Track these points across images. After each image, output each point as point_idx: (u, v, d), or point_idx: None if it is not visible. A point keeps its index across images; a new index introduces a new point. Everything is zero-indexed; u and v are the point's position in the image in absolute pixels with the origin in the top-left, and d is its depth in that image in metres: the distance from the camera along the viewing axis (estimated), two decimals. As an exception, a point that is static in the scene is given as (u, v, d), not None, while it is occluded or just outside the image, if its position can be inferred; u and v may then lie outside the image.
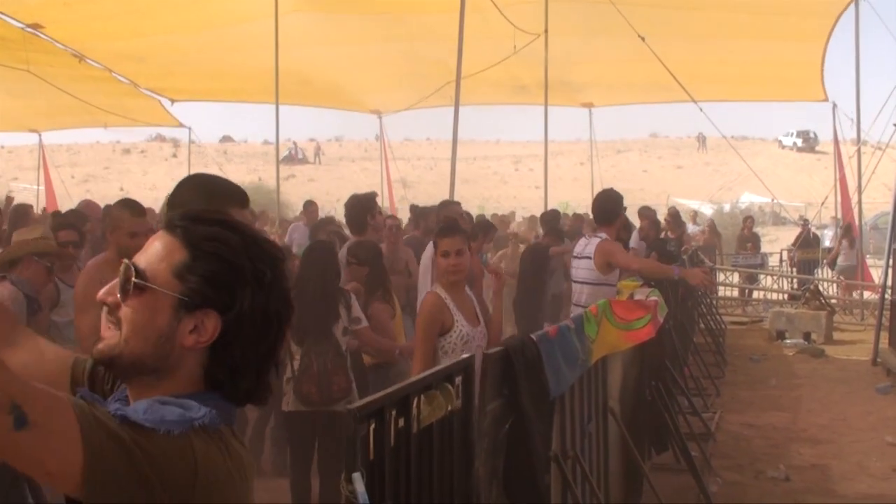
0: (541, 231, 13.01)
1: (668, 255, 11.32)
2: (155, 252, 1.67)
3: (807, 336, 14.29)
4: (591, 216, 8.81)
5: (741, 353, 13.48)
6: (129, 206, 4.99)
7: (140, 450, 1.47)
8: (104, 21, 14.75)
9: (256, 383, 1.69)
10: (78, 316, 4.71)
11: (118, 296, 1.66)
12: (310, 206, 14.33)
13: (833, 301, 17.13)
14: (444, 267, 4.97)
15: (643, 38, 14.54)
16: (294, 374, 5.60)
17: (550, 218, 12.49)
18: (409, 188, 36.42)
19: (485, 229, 10.48)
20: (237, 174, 47.24)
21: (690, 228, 21.20)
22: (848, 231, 18.46)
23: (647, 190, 53.01)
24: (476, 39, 12.48)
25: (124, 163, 72.46)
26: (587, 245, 7.39)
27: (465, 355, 4.70)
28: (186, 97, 21.40)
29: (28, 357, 1.91)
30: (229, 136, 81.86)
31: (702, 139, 72.69)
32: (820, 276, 19.64)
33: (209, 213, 1.73)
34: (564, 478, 4.26)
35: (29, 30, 14.48)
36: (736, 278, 20.36)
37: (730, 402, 10.18)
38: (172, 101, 21.26)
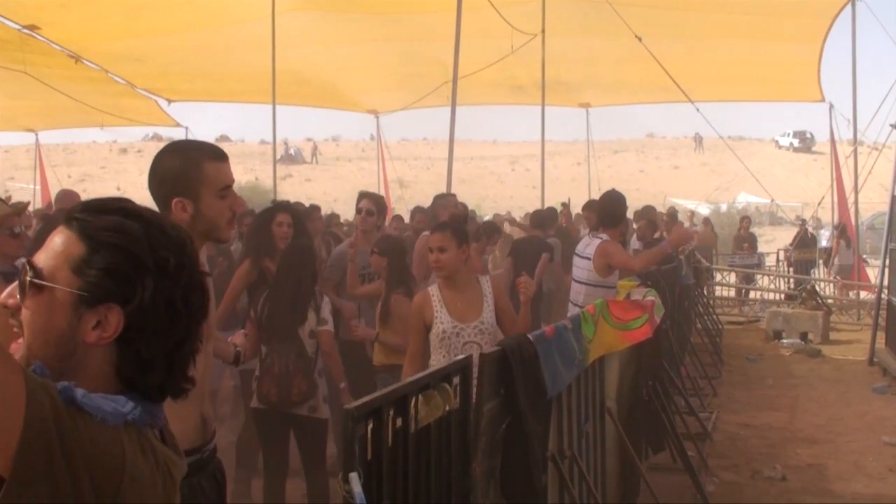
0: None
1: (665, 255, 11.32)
2: (53, 248, 1.60)
3: (803, 336, 14.30)
4: (583, 215, 8.78)
5: (738, 353, 13.49)
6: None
7: (77, 434, 1.43)
8: (100, 22, 14.75)
9: (169, 377, 1.62)
10: None
11: (18, 297, 1.59)
12: (314, 212, 14.30)
13: (830, 301, 17.16)
14: (430, 262, 5.12)
15: (640, 39, 14.57)
16: (259, 372, 5.60)
17: (545, 214, 12.45)
18: (406, 188, 36.42)
19: (489, 231, 10.47)
20: (234, 174, 47.13)
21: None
22: (844, 231, 18.49)
23: (643, 190, 53.01)
24: (473, 39, 12.50)
25: (121, 162, 72.38)
26: (588, 245, 7.38)
27: (461, 355, 4.76)
28: (183, 97, 21.39)
29: None
30: (226, 136, 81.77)
31: (698, 139, 72.77)
32: (816, 276, 19.67)
33: (110, 202, 1.65)
34: (561, 477, 4.27)
35: (25, 31, 14.47)
36: (733, 278, 20.38)
37: (726, 402, 10.19)
38: (169, 101, 21.26)
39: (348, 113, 25.72)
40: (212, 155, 3.02)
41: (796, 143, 72.01)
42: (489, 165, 72.00)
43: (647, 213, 13.54)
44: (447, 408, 3.21)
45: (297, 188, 52.30)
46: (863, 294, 17.96)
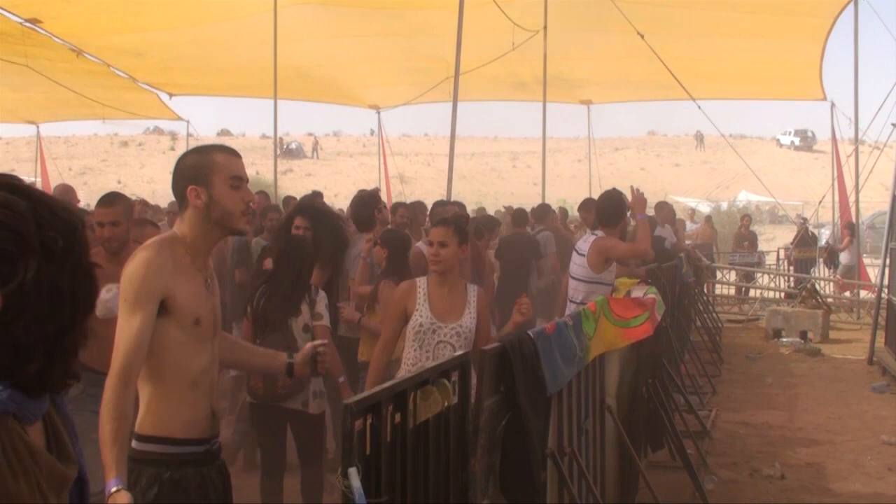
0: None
1: (664, 253, 11.34)
2: None
3: (803, 335, 14.30)
4: (580, 215, 8.76)
5: (738, 352, 13.49)
6: (100, 197, 4.98)
7: None
8: (102, 16, 14.76)
9: (49, 367, 1.51)
10: None
11: None
12: (290, 201, 14.29)
13: (830, 300, 17.15)
14: (427, 256, 5.06)
15: (642, 36, 14.55)
16: None
17: (541, 211, 12.44)
18: (407, 184, 36.42)
19: (489, 225, 10.45)
20: (235, 168, 47.14)
21: (688, 226, 21.25)
22: (852, 229, 18.48)
23: (644, 187, 52.73)
24: (475, 35, 12.49)
25: (122, 155, 72.40)
26: (585, 242, 7.39)
27: (431, 353, 4.76)
28: (184, 91, 21.40)
29: None
30: (227, 130, 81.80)
31: (700, 137, 72.74)
32: (817, 274, 19.66)
33: None
34: (561, 475, 4.26)
35: (27, 24, 14.48)
36: (733, 276, 20.38)
37: (726, 401, 10.19)
38: (170, 94, 21.27)
39: (350, 108, 25.73)
40: (224, 149, 3.29)
41: (797, 141, 72.03)
42: (490, 161, 72.00)
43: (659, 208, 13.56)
44: (446, 404, 3.21)
45: (297, 183, 52.30)
46: (863, 293, 17.96)
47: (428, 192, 44.59)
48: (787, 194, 42.28)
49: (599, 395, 5.34)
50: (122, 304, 3.06)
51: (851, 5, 15.68)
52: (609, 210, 7.39)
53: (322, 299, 5.72)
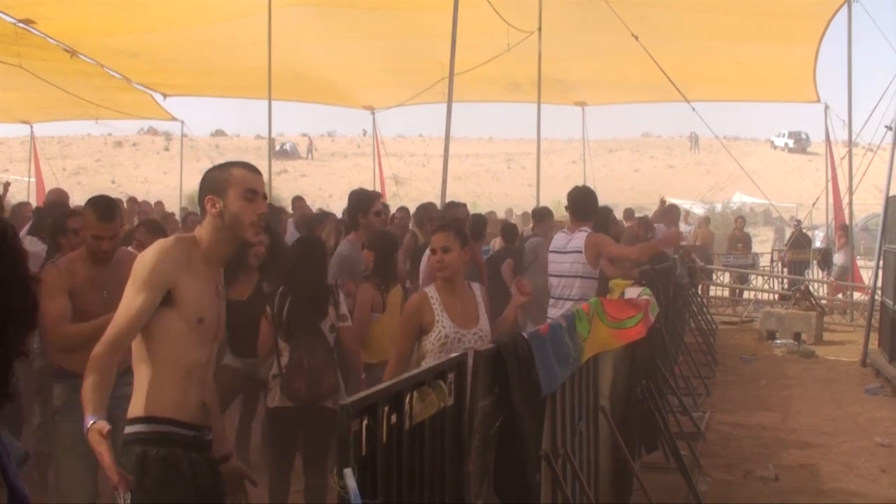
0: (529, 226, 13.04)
1: (658, 254, 11.34)
2: None
3: (797, 336, 14.34)
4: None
5: (731, 353, 13.51)
6: (97, 209, 4.88)
7: None
8: (96, 17, 14.73)
9: None
10: (44, 303, 4.73)
11: None
12: (297, 201, 14.36)
13: (823, 302, 17.19)
14: (431, 264, 5.04)
15: (637, 38, 14.57)
16: (281, 370, 5.56)
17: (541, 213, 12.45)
18: (402, 185, 36.44)
19: (478, 227, 10.44)
20: (229, 169, 47.05)
21: (683, 228, 21.27)
22: (846, 231, 18.53)
23: (638, 189, 53.11)
24: (469, 36, 12.49)
25: (116, 155, 72.28)
26: (571, 240, 7.42)
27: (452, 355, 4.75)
28: (179, 92, 21.36)
29: None
30: (222, 131, 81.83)
31: (694, 139, 72.83)
32: (810, 276, 19.70)
33: None
34: (555, 476, 4.27)
35: (21, 25, 14.44)
36: (727, 278, 20.41)
37: (720, 402, 10.21)
38: (165, 95, 21.23)
39: (344, 109, 25.69)
40: (244, 165, 3.52)
41: (791, 143, 72.17)
42: (485, 163, 72.02)
43: (629, 214, 13.63)
44: (442, 405, 3.21)
45: (291, 184, 52.26)
46: (856, 295, 18.00)
47: (423, 193, 44.59)
48: (781, 196, 42.36)
49: (593, 396, 5.34)
50: (131, 283, 3.26)
51: (845, 8, 15.72)
52: (584, 204, 7.56)
53: (343, 299, 5.84)
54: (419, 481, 3.10)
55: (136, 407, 3.29)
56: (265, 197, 3.52)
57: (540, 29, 14.88)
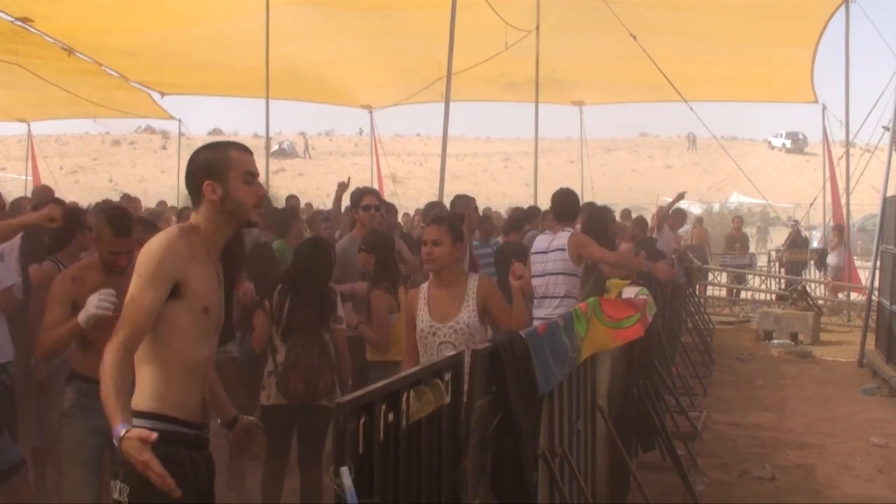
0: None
1: (656, 254, 11.34)
2: None
3: (794, 337, 14.35)
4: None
5: (728, 353, 13.53)
6: (114, 225, 4.81)
7: None
8: (94, 16, 14.72)
9: None
10: (45, 312, 4.74)
11: None
12: (291, 200, 14.33)
13: (820, 302, 17.21)
14: (422, 256, 5.06)
15: (635, 37, 14.57)
16: (277, 368, 5.56)
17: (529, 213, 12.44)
18: (399, 184, 36.42)
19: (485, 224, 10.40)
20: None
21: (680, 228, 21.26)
22: (841, 232, 18.56)
23: (636, 189, 53.07)
24: (467, 35, 12.47)
25: (113, 154, 72.14)
26: (554, 239, 7.45)
27: (434, 355, 4.77)
28: (176, 90, 21.34)
29: None
30: (219, 129, 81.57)
31: (692, 139, 72.79)
32: (808, 276, 19.72)
33: None
34: (552, 475, 4.26)
35: (19, 23, 14.42)
36: (724, 278, 20.42)
37: (716, 402, 10.21)
38: (162, 94, 21.21)
39: (342, 108, 25.68)
40: (238, 146, 3.43)
41: (789, 143, 72.16)
42: (482, 162, 71.97)
43: (626, 214, 13.62)
44: (439, 404, 3.21)
45: (289, 182, 52.20)
46: (853, 295, 18.02)
47: (420, 192, 44.62)
48: (778, 196, 42.37)
49: (591, 395, 5.34)
50: (137, 278, 3.17)
51: (842, 8, 15.73)
52: (566, 206, 7.64)
53: (339, 301, 5.83)
54: (416, 480, 3.10)
55: (140, 401, 3.20)
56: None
57: (538, 28, 14.89)
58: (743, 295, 20.29)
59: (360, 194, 7.57)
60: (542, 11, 14.74)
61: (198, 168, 3.34)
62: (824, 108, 19.71)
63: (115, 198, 15.19)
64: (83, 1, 14.09)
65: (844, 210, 18.33)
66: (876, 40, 15.81)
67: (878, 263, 12.85)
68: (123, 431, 2.88)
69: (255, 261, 7.24)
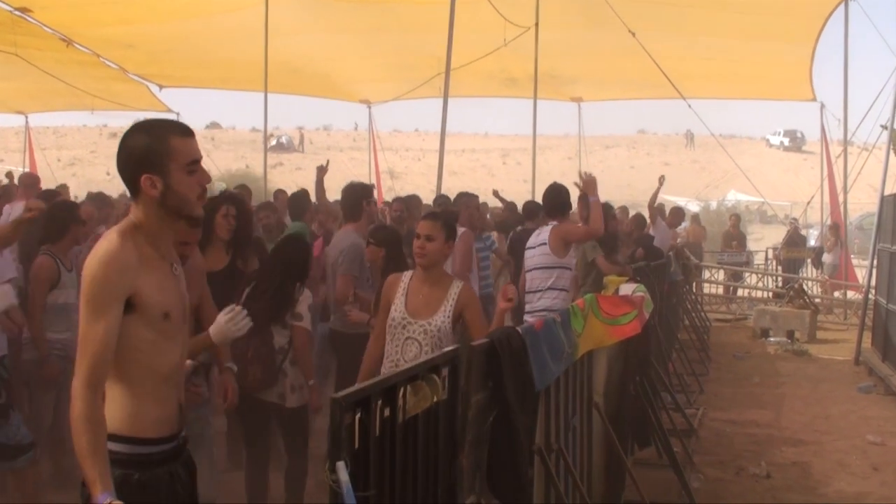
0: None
1: (653, 251, 11.35)
2: None
3: (790, 334, 14.37)
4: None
5: (725, 351, 13.54)
6: (189, 219, 4.65)
7: None
8: (93, 6, 14.68)
9: None
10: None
11: None
12: (280, 194, 14.24)
13: (817, 300, 17.23)
14: (413, 248, 5.01)
15: (634, 34, 14.56)
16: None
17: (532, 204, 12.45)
18: (397, 179, 36.39)
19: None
20: (225, 161, 47.03)
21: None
22: (836, 230, 18.58)
23: (634, 186, 53.03)
24: (466, 31, 12.47)
25: (111, 147, 71.10)
26: (540, 234, 7.49)
27: (399, 348, 4.77)
28: (175, 83, 21.33)
29: None
30: (217, 123, 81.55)
31: (690, 136, 72.85)
32: (805, 275, 19.74)
33: None
34: (548, 471, 4.26)
35: (17, 13, 14.38)
36: (721, 276, 20.43)
37: (713, 399, 10.22)
38: (161, 86, 21.20)
39: (340, 102, 25.67)
40: (178, 130, 3.00)
41: (787, 141, 72.23)
42: (480, 158, 71.96)
43: (623, 212, 13.61)
44: (435, 399, 3.20)
45: (287, 177, 52.11)
46: (850, 294, 18.03)
47: (418, 187, 44.50)
48: (776, 194, 42.39)
49: (587, 392, 5.34)
50: (84, 306, 2.83)
51: (842, 7, 15.74)
52: (555, 201, 7.67)
53: (306, 299, 5.65)
54: (412, 475, 3.09)
55: (113, 424, 2.88)
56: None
57: (537, 24, 14.88)
58: (740, 292, 20.31)
59: (369, 189, 7.62)
60: (540, 8, 14.72)
61: (134, 158, 2.93)
62: (822, 106, 19.75)
63: (114, 192, 15.12)
64: (82, -8, 14.08)
65: (842, 208, 18.35)
66: (875, 39, 15.83)
67: (875, 262, 12.86)
68: (106, 502, 2.66)
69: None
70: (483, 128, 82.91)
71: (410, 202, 9.80)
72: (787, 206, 40.13)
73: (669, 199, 40.66)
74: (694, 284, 16.57)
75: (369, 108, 24.25)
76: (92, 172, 57.35)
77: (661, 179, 13.46)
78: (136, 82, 20.26)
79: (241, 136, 72.82)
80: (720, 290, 20.34)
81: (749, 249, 22.18)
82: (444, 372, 3.32)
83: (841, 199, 18.17)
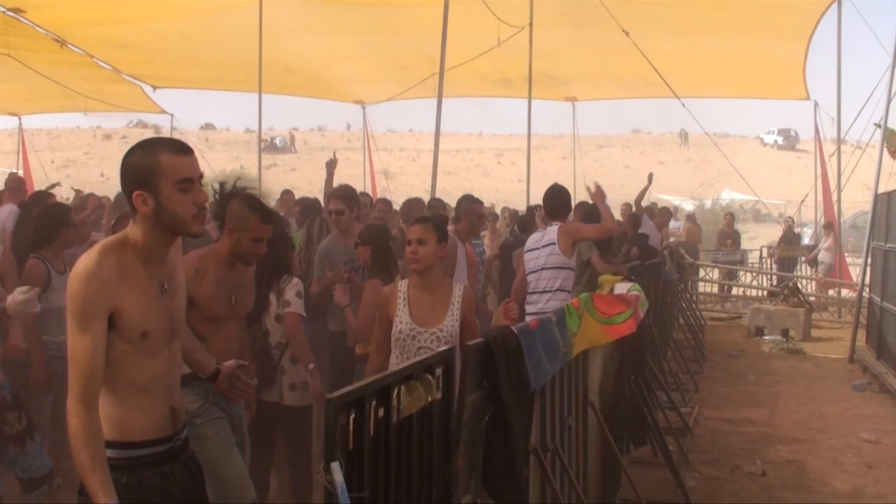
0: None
1: (648, 250, 11.37)
2: None
3: (785, 333, 14.39)
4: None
5: (720, 349, 13.56)
6: (260, 211, 4.56)
7: None
8: (86, 6, 14.64)
9: None
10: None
11: None
12: (286, 195, 14.25)
13: (811, 298, 17.26)
14: (406, 255, 4.97)
15: (627, 33, 14.57)
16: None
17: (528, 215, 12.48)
18: (392, 179, 36.35)
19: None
20: (219, 161, 46.99)
21: (672, 224, 21.30)
22: (830, 228, 18.61)
23: (628, 185, 52.93)
24: (460, 31, 12.48)
25: (105, 148, 71.82)
26: (545, 235, 7.46)
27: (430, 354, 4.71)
28: (168, 84, 21.29)
29: None
30: (211, 124, 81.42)
31: (684, 135, 72.93)
32: (799, 273, 19.77)
33: None
34: (543, 470, 4.26)
35: (10, 13, 14.34)
36: (716, 274, 20.46)
37: (708, 398, 10.24)
38: (154, 87, 21.15)
39: (335, 103, 25.62)
40: (172, 148, 3.01)
41: (780, 140, 72.38)
42: (475, 158, 71.99)
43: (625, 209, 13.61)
44: (430, 399, 3.20)
45: (281, 177, 52.12)
46: (844, 292, 18.07)
47: (413, 187, 44.53)
48: (770, 193, 42.44)
49: (582, 391, 5.34)
50: (70, 323, 2.88)
51: (835, 5, 15.78)
52: (557, 202, 7.64)
53: (294, 286, 5.56)
54: (406, 475, 3.09)
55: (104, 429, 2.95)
56: (202, 178, 3.08)
57: (531, 24, 14.87)
58: (734, 291, 20.34)
59: (328, 198, 7.59)
60: (534, 7, 14.72)
61: (128, 175, 2.99)
62: (816, 105, 19.76)
63: (110, 193, 15.07)
64: (75, -8, 14.04)
65: (836, 207, 18.38)
66: (868, 37, 15.85)
67: (869, 260, 12.89)
68: None
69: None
70: (478, 128, 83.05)
71: (412, 205, 9.74)
72: (781, 204, 40.21)
73: (664, 198, 40.74)
74: (689, 283, 16.59)
75: (364, 108, 24.23)
76: (86, 174, 57.24)
77: (650, 178, 13.46)
78: (130, 83, 20.21)
79: (235, 136, 72.75)
80: (715, 289, 20.37)
81: (743, 248, 22.22)
82: (439, 372, 3.32)
83: (835, 197, 18.20)
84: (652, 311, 8.41)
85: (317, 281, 6.95)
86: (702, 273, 19.93)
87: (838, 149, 17.70)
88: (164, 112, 23.60)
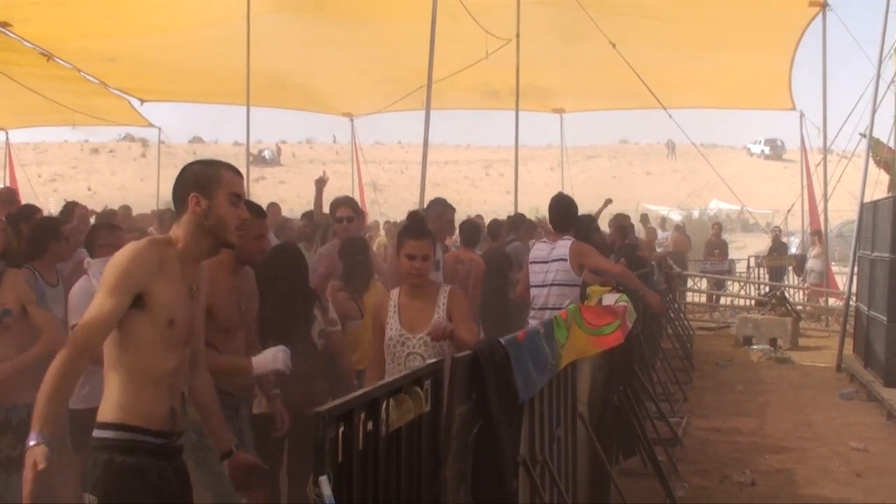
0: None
1: (637, 260, 11.38)
2: None
3: (773, 342, 14.43)
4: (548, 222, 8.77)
5: (708, 359, 13.59)
6: (252, 209, 4.52)
7: None
8: (74, 20, 14.60)
9: None
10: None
11: None
12: (272, 207, 14.23)
13: (799, 308, 17.32)
14: (408, 270, 4.95)
15: (614, 45, 14.64)
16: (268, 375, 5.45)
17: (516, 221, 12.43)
18: (380, 191, 36.36)
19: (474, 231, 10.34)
20: (207, 175, 46.83)
21: (660, 235, 21.38)
22: (819, 236, 18.70)
23: (616, 196, 53.07)
24: (448, 44, 12.49)
25: (93, 162, 71.73)
26: (554, 248, 7.42)
27: (403, 366, 4.74)
28: (156, 97, 21.24)
29: None
30: (199, 137, 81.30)
31: (671, 146, 73.23)
32: (787, 283, 19.84)
33: None
34: (532, 482, 4.27)
35: (-4, 28, 14.31)
36: (704, 284, 20.52)
37: (696, 408, 10.25)
38: (142, 101, 21.11)
39: (323, 115, 25.65)
40: (231, 168, 3.50)
41: (767, 150, 72.77)
42: (463, 170, 72.10)
43: (619, 219, 13.60)
44: (418, 412, 3.21)
45: (269, 190, 52.10)
46: (831, 301, 18.14)
47: (402, 200, 44.58)
48: (757, 203, 42.62)
49: (571, 402, 5.35)
50: (102, 285, 3.16)
51: (820, 16, 15.86)
52: (564, 214, 7.60)
53: (331, 304, 5.77)
54: (395, 488, 3.10)
55: (105, 412, 3.23)
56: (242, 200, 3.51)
57: (518, 36, 14.90)
58: (723, 301, 20.39)
59: (335, 205, 7.56)
60: (521, 20, 14.76)
61: (187, 180, 3.39)
62: (802, 115, 19.90)
63: (97, 207, 15.05)
64: (62, 5, 13.96)
65: (822, 216, 18.47)
66: (852, 48, 15.97)
67: (856, 269, 12.95)
68: (32, 443, 2.90)
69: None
70: (466, 139, 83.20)
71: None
72: (768, 214, 40.38)
73: (652, 208, 40.85)
74: (677, 293, 16.63)
75: (352, 120, 24.25)
76: (74, 188, 57.03)
77: (607, 202, 13.51)
78: (117, 97, 20.15)
79: (223, 149, 72.57)
80: (703, 299, 20.43)
81: (731, 258, 22.29)
82: (427, 384, 3.33)
83: (821, 206, 18.29)
84: (640, 321, 8.43)
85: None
86: (690, 283, 19.98)
87: (824, 158, 17.79)
88: (151, 126, 23.55)
